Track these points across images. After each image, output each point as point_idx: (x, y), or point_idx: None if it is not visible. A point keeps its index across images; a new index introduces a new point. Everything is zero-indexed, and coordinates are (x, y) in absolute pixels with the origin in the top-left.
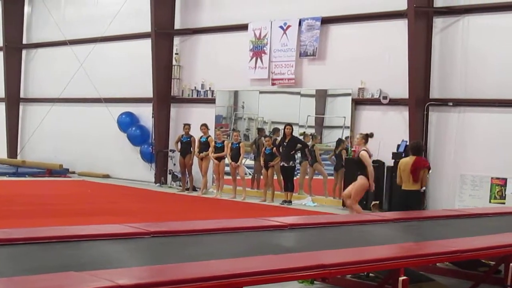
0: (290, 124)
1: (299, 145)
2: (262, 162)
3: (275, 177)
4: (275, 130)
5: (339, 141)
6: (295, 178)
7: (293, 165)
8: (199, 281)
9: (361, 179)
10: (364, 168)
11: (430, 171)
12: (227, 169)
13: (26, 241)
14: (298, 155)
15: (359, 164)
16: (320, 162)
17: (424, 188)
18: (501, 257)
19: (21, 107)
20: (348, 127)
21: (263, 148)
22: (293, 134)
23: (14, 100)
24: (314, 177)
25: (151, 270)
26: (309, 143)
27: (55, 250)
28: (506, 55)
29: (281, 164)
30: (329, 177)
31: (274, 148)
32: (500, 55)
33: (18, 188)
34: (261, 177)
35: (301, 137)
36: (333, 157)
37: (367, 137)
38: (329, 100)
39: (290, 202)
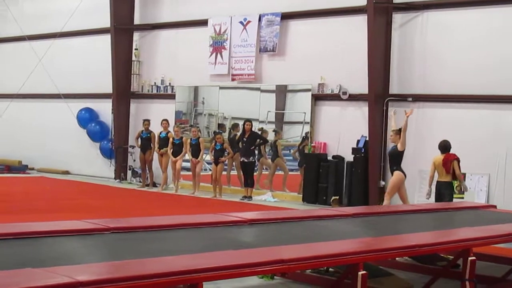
0: (249, 120)
1: (259, 141)
2: (211, 158)
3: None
4: (235, 126)
5: (304, 137)
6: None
7: (253, 160)
8: (158, 276)
9: (398, 174)
10: (399, 163)
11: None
12: (185, 164)
13: None
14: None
15: (396, 158)
16: (282, 157)
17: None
18: (459, 251)
19: None
20: (308, 123)
21: (213, 144)
22: (253, 129)
23: None
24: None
25: (110, 266)
26: (271, 139)
27: (12, 247)
28: (463, 51)
29: (241, 160)
30: (290, 173)
31: (225, 144)
32: (457, 51)
33: None
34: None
35: (259, 132)
36: (296, 153)
37: (400, 131)
38: (289, 96)
39: (250, 197)
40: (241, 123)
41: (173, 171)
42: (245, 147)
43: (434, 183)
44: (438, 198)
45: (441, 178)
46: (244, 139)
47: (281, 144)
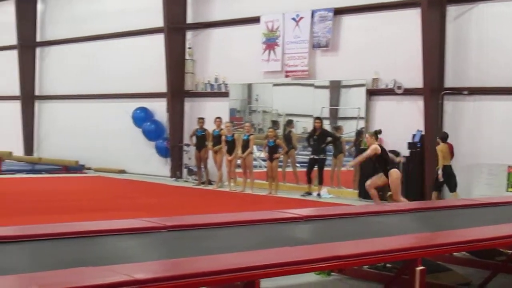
0: (319, 118)
1: (329, 138)
2: (265, 154)
3: (289, 169)
4: (289, 122)
5: (358, 133)
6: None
7: (323, 157)
8: (215, 274)
9: (394, 173)
10: (388, 163)
11: None
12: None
13: (42, 237)
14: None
15: (382, 160)
16: (345, 153)
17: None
18: None
19: (36, 105)
20: (362, 118)
21: (266, 140)
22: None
23: (29, 98)
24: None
25: (167, 264)
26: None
27: (71, 246)
28: None
29: (311, 157)
30: (343, 169)
31: (278, 140)
32: None
33: (34, 185)
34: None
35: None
36: (353, 148)
37: (376, 134)
38: (343, 91)
39: (319, 195)
40: (295, 119)
41: (227, 169)
42: (316, 145)
43: None
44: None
45: (446, 162)
46: (315, 136)
47: (345, 140)
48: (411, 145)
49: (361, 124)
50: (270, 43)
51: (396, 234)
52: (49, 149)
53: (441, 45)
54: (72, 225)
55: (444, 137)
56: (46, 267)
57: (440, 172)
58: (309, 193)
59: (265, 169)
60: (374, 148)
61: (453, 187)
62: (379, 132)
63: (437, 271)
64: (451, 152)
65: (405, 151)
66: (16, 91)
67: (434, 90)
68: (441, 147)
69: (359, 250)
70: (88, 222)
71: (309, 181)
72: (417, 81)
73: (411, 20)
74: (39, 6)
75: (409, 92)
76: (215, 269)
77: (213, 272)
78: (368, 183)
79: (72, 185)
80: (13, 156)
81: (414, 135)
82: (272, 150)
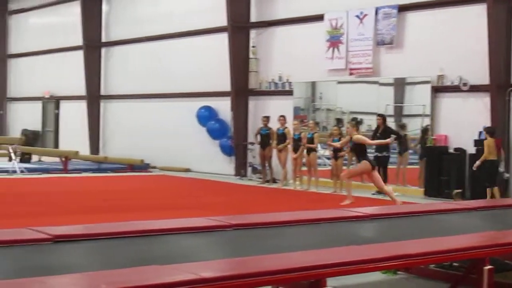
0: (382, 115)
1: (393, 136)
2: (330, 152)
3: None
4: (354, 120)
5: (424, 130)
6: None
7: (387, 155)
8: (281, 272)
9: (364, 164)
10: (364, 154)
11: None
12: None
13: (108, 236)
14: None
15: (357, 150)
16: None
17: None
18: None
19: (101, 104)
20: (428, 115)
21: (331, 138)
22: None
23: (94, 98)
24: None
25: (233, 262)
26: (402, 133)
27: (138, 245)
28: None
29: (374, 155)
30: (409, 166)
31: (343, 139)
32: None
33: (100, 183)
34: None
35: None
36: (418, 145)
37: (357, 124)
38: (408, 89)
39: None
40: (359, 117)
41: (292, 167)
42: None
43: None
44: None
45: (492, 156)
46: (378, 134)
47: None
48: (477, 143)
49: (426, 121)
50: (334, 41)
51: (463, 233)
52: (115, 148)
53: (508, 40)
54: (138, 224)
55: (492, 132)
56: (112, 265)
57: (478, 163)
58: (380, 192)
59: (330, 167)
60: (361, 138)
61: (492, 183)
62: (360, 122)
63: (506, 270)
64: (498, 147)
65: (471, 149)
66: (82, 91)
67: (501, 87)
68: (488, 142)
69: (427, 249)
70: (153, 220)
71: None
72: (483, 78)
73: (476, 16)
74: (104, 7)
75: (475, 88)
76: (282, 268)
77: (280, 270)
78: (344, 173)
79: (137, 184)
80: (79, 156)
81: (480, 133)
82: (337, 148)
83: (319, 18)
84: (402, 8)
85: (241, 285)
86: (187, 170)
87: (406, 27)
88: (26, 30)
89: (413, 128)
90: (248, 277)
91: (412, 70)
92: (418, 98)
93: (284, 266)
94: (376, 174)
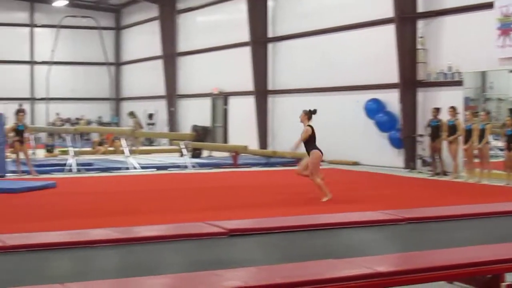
0: None
1: None
2: (504, 143)
3: None
4: None
5: None
6: None
7: None
8: (458, 267)
9: (316, 153)
10: (313, 144)
11: None
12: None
13: (281, 230)
14: None
15: (311, 141)
16: None
17: None
18: None
19: (269, 99)
20: None
21: (504, 129)
22: None
23: (262, 93)
24: None
25: (408, 256)
26: None
27: (311, 238)
28: None
29: None
30: None
31: None
32: None
33: (271, 177)
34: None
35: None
36: None
37: (310, 113)
38: None
39: None
40: None
41: (464, 159)
42: None
43: None
44: None
45: None
46: None
47: None
48: None
49: None
50: (505, 28)
51: None
52: (283, 143)
53: None
54: (310, 218)
55: None
56: (287, 259)
57: None
58: None
59: (503, 159)
60: (306, 130)
61: None
62: (314, 112)
63: None
64: None
65: None
66: (250, 87)
67: None
68: None
69: None
70: (325, 214)
71: None
72: None
73: None
74: (270, 3)
75: None
76: (459, 262)
77: (456, 265)
78: (299, 168)
79: (306, 178)
80: (248, 150)
81: None
82: (511, 139)
83: (488, 5)
84: None
85: (417, 279)
86: (355, 164)
87: None
88: (193, 29)
89: None
90: (423, 272)
91: None
92: None
93: (461, 260)
94: None
